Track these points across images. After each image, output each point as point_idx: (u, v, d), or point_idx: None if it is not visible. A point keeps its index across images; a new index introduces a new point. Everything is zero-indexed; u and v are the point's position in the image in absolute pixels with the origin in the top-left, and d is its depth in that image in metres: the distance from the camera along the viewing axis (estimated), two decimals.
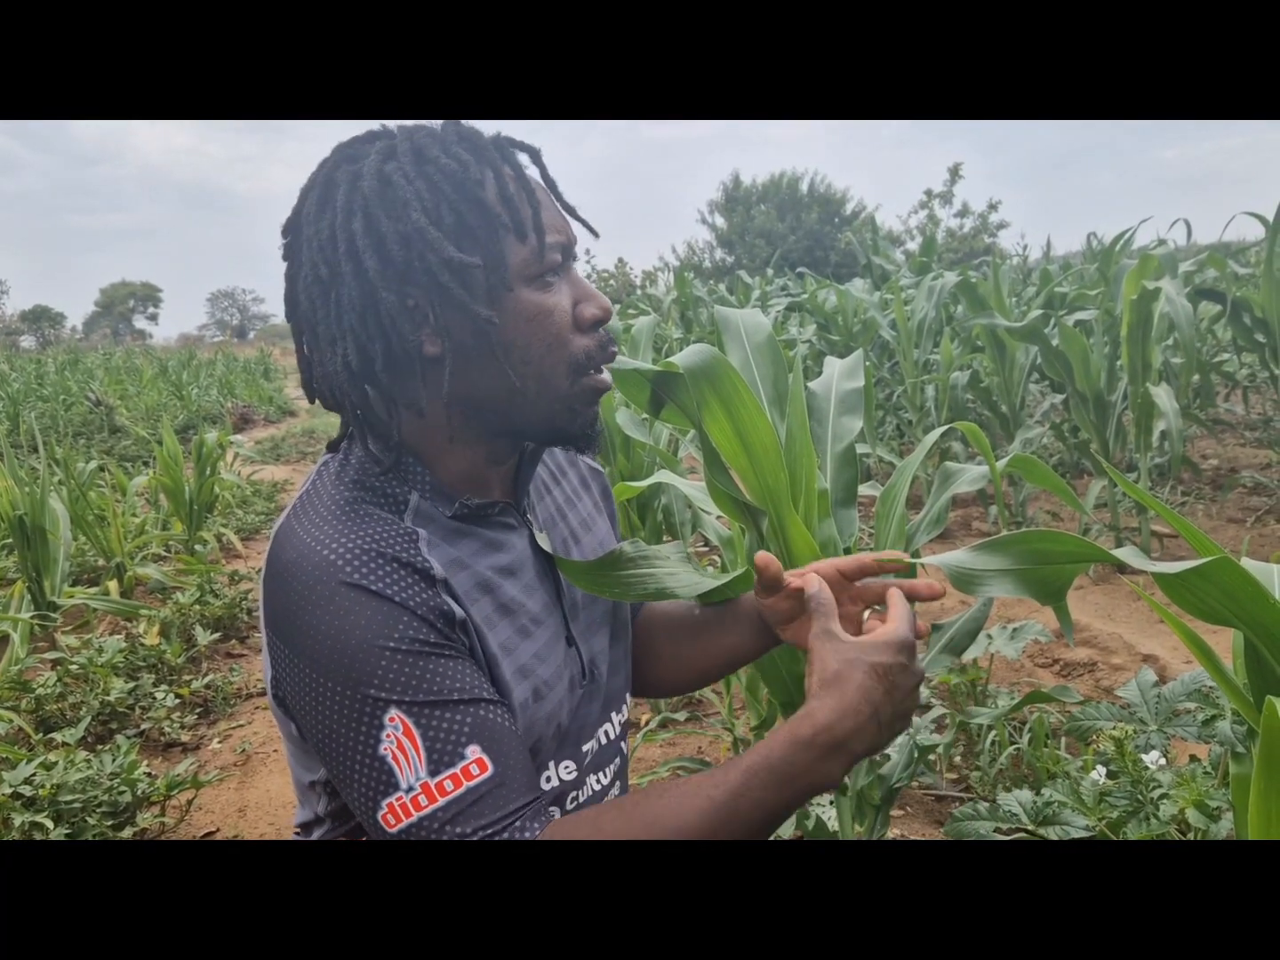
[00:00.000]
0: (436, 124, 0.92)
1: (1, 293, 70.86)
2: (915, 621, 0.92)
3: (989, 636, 2.63)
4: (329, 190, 0.88)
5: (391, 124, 0.93)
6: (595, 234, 0.99)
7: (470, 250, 0.86)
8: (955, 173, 24.49)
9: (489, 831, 0.79)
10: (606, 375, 0.96)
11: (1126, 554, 0.81)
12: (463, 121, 0.93)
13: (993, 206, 24.36)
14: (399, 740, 0.79)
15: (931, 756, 2.72)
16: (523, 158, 0.93)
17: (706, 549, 4.95)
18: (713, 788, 0.80)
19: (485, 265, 0.86)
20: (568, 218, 0.95)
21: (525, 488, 1.01)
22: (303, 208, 0.91)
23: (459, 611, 0.86)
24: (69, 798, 2.53)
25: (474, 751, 0.80)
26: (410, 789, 0.78)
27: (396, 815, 0.78)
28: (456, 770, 0.79)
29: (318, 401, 0.93)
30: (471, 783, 0.79)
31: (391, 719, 0.79)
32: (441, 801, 0.78)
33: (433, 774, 0.78)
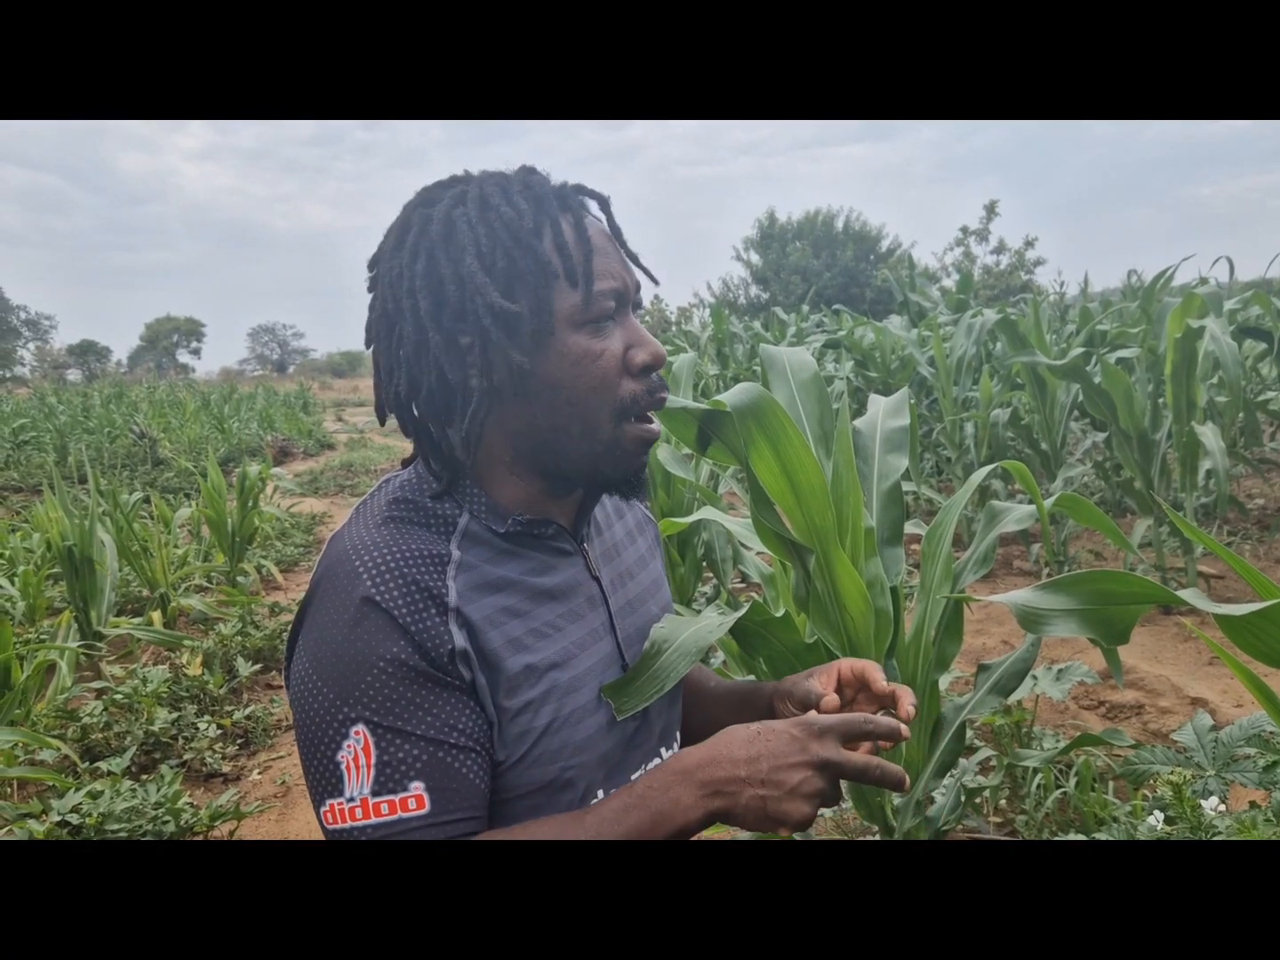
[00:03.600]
0: (509, 171, 0.96)
1: (50, 327, 72.50)
2: (858, 730, 0.88)
3: (1034, 678, 2.59)
4: (404, 231, 0.94)
5: (473, 171, 0.97)
6: (655, 281, 1.02)
7: (519, 295, 0.90)
8: (991, 210, 24.49)
9: None
10: (656, 425, 0.98)
11: (1190, 595, 0.80)
12: (535, 169, 0.97)
13: (1029, 243, 24.29)
14: (356, 753, 0.84)
15: (978, 799, 2.68)
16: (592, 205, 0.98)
17: (744, 585, 4.93)
18: (586, 812, 0.88)
19: (530, 311, 0.90)
20: (631, 265, 0.98)
21: (585, 517, 1.03)
22: (384, 246, 0.96)
23: (461, 642, 0.88)
24: (115, 826, 2.55)
25: (416, 788, 0.85)
26: (351, 799, 0.84)
27: (335, 816, 0.85)
28: (395, 799, 0.84)
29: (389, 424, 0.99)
30: (405, 814, 0.84)
31: (356, 732, 0.84)
32: (374, 820, 0.84)
33: (374, 794, 0.84)
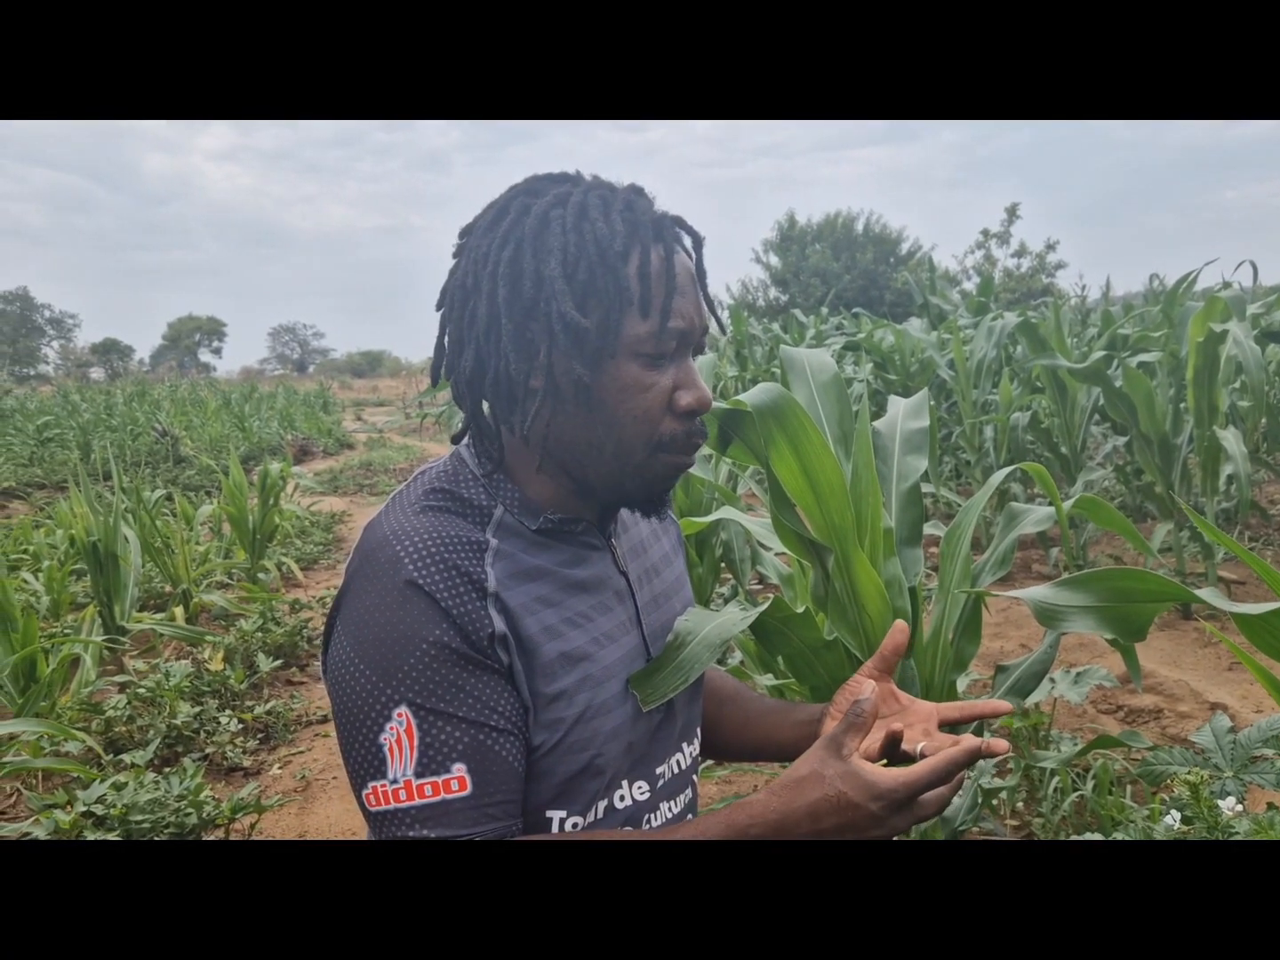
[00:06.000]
0: (617, 186, 0.98)
1: (74, 326, 73.24)
2: (937, 793, 0.85)
3: (1052, 680, 2.59)
4: (502, 214, 0.96)
5: (585, 174, 0.99)
6: (724, 330, 1.04)
7: (591, 310, 0.91)
8: (1012, 213, 24.39)
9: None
10: (691, 458, 1.00)
11: (1208, 595, 0.81)
12: (644, 190, 0.98)
13: (1050, 246, 24.18)
14: (399, 735, 0.86)
15: (994, 801, 2.68)
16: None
17: (760, 586, 4.93)
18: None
19: (597, 329, 0.91)
20: (705, 309, 0.99)
21: (612, 515, 1.05)
22: (480, 220, 0.98)
23: (500, 626, 0.90)
24: (139, 818, 2.58)
25: (459, 769, 0.86)
26: (394, 781, 0.85)
27: (378, 798, 0.86)
28: (438, 780, 0.85)
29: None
30: (448, 795, 0.85)
31: (399, 714, 0.86)
32: (417, 802, 0.85)
33: (418, 775, 0.85)
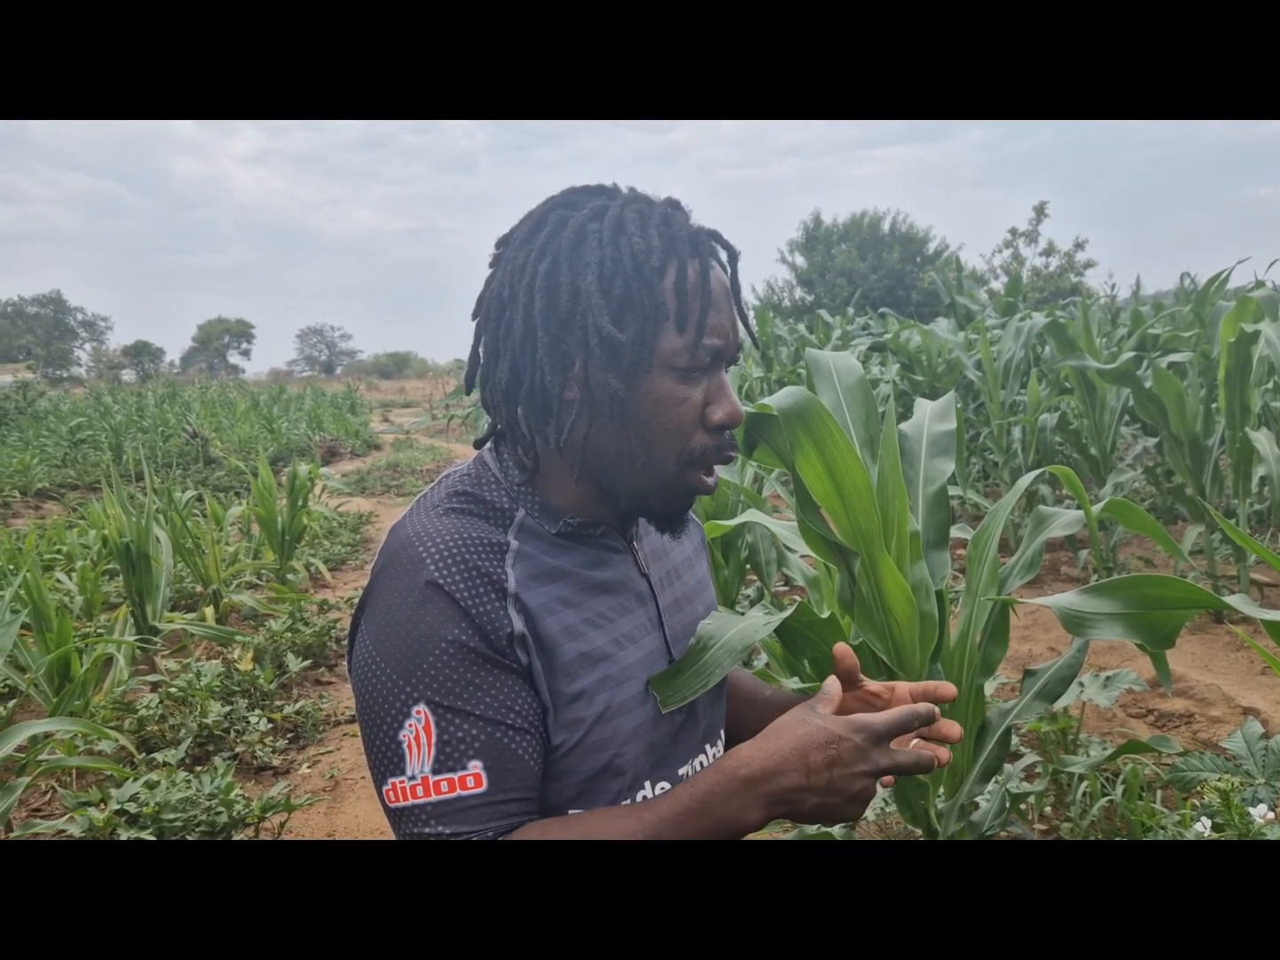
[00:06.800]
0: (655, 199, 0.98)
1: (106, 329, 74.17)
2: (915, 752, 0.90)
3: (1081, 684, 2.57)
4: (539, 226, 0.97)
5: (622, 187, 0.99)
6: (758, 345, 1.04)
7: (626, 324, 0.92)
8: (1041, 211, 24.17)
9: (465, 838, 0.87)
10: (714, 479, 1.01)
11: (1238, 601, 0.81)
12: (680, 204, 0.99)
13: (1079, 245, 23.95)
14: (418, 732, 0.87)
15: (1022, 805, 2.67)
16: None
17: (787, 589, 4.93)
18: (645, 809, 0.89)
19: (632, 343, 0.92)
20: (739, 325, 1.00)
21: (634, 519, 1.06)
22: (517, 231, 0.99)
23: (519, 627, 0.91)
24: (171, 816, 2.62)
25: (475, 766, 0.88)
26: (412, 777, 0.87)
27: (396, 794, 0.88)
28: (454, 776, 0.87)
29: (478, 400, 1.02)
30: (464, 792, 0.87)
31: (418, 711, 0.87)
32: (433, 798, 0.87)
33: (435, 772, 0.87)
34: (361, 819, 3.09)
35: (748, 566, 3.39)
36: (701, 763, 1.10)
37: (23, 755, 3.08)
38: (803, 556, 2.97)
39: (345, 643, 4.93)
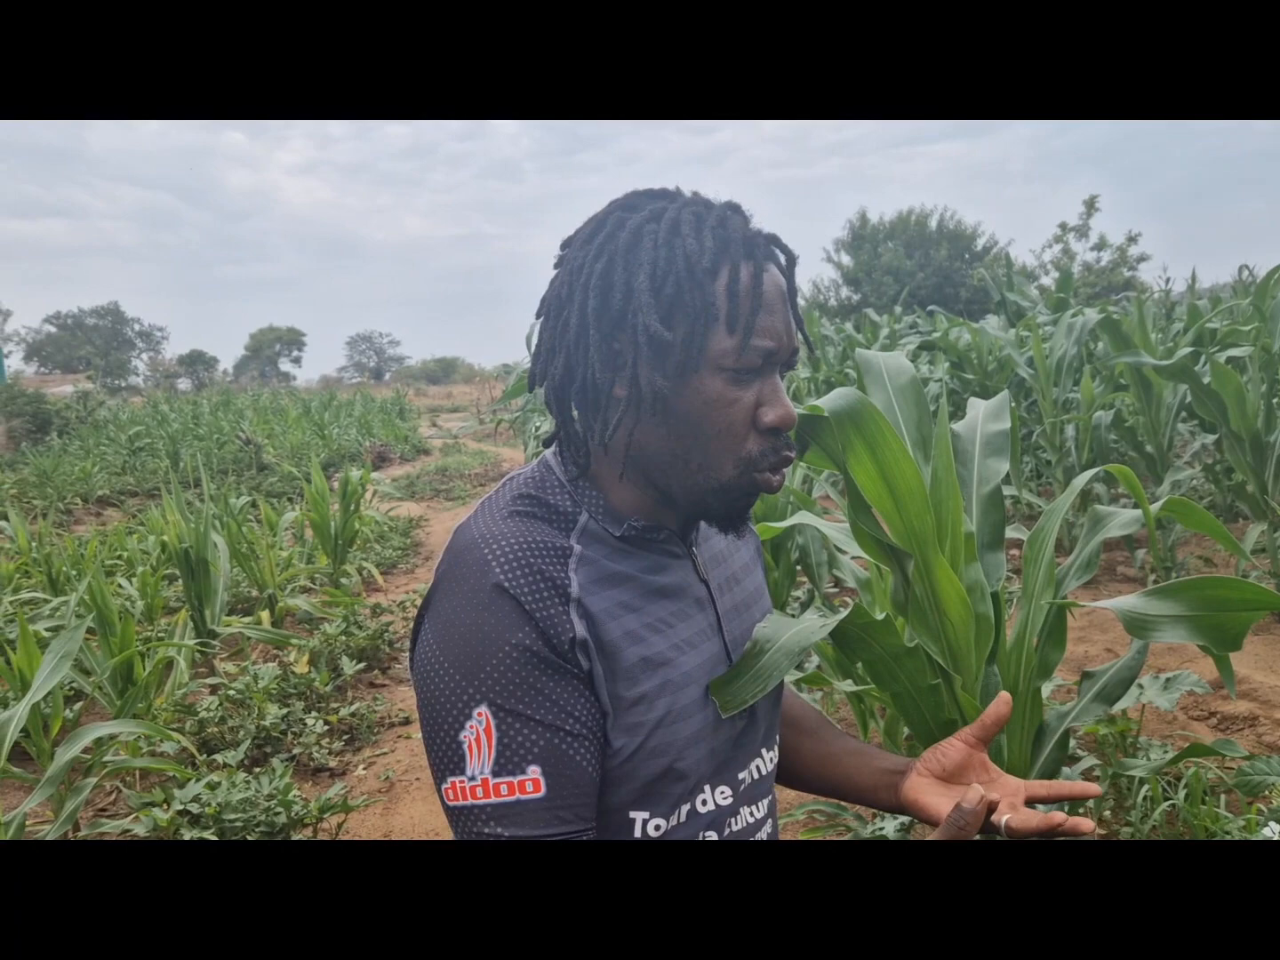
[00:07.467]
0: (714, 202, 0.99)
1: (162, 339, 75.78)
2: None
3: (1140, 686, 2.53)
4: (599, 228, 0.99)
5: (683, 190, 1.01)
6: (812, 350, 1.04)
7: (676, 324, 0.93)
8: (1091, 205, 23.79)
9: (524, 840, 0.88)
10: (780, 477, 1.01)
11: None
12: (740, 208, 1.00)
13: (1132, 239, 23.52)
14: (479, 733, 0.88)
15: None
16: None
17: (836, 590, 4.90)
18: None
19: (681, 342, 0.93)
20: (794, 329, 1.00)
21: (694, 523, 1.06)
22: (580, 233, 1.01)
23: (581, 631, 0.92)
24: (231, 817, 2.67)
25: (534, 771, 0.88)
26: (473, 778, 0.88)
27: (456, 793, 0.89)
28: (514, 780, 0.88)
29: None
30: (523, 796, 0.88)
31: (479, 713, 0.88)
32: (493, 800, 0.88)
33: (494, 774, 0.88)
34: (417, 820, 3.13)
35: (798, 569, 3.38)
36: (759, 766, 1.10)
37: (89, 756, 3.16)
38: (854, 558, 2.95)
39: (399, 646, 5.00)
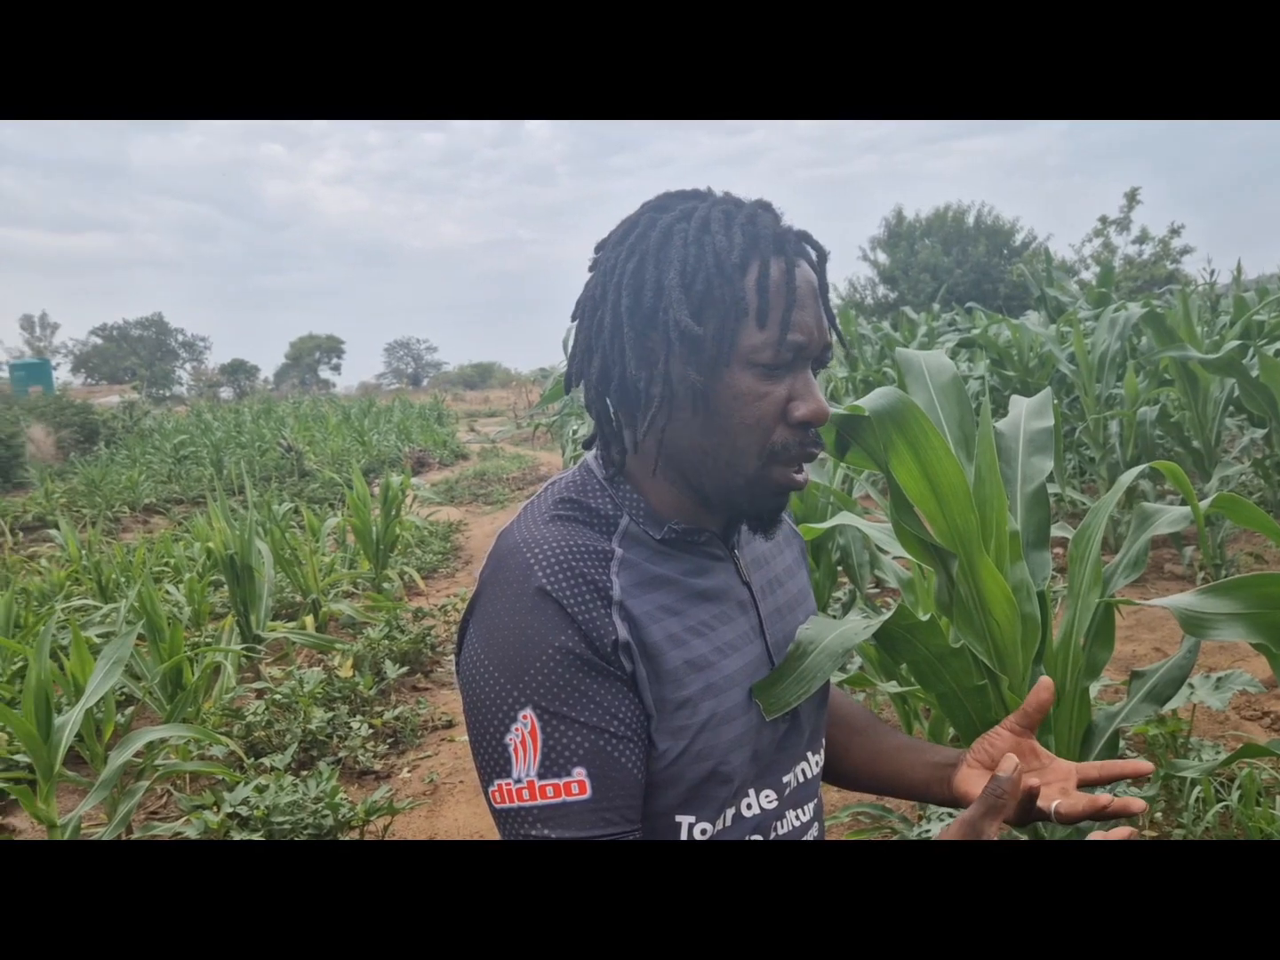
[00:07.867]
0: (745, 201, 1.00)
1: (205, 349, 77.00)
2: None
3: (1191, 686, 2.49)
4: (631, 228, 1.00)
5: (714, 190, 1.02)
6: (845, 345, 1.04)
7: (707, 320, 0.94)
8: (1132, 197, 23.44)
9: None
10: (803, 475, 1.01)
11: None
12: (770, 206, 1.00)
13: (1174, 231, 23.14)
14: (524, 736, 0.89)
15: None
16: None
17: (878, 590, 4.86)
18: None
19: (712, 337, 0.93)
20: (825, 324, 1.00)
21: (736, 525, 1.06)
22: (613, 234, 1.03)
23: (624, 634, 0.92)
24: (280, 819, 2.71)
25: (580, 773, 0.89)
26: (519, 780, 0.89)
27: (502, 796, 0.90)
28: (560, 782, 0.88)
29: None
30: (568, 798, 0.88)
31: (524, 716, 0.89)
32: (539, 802, 0.88)
33: (540, 776, 0.89)
34: (461, 822, 3.15)
35: (839, 569, 3.36)
36: (804, 770, 1.10)
37: (141, 760, 3.22)
38: (896, 558, 2.93)
39: (441, 650, 5.04)
